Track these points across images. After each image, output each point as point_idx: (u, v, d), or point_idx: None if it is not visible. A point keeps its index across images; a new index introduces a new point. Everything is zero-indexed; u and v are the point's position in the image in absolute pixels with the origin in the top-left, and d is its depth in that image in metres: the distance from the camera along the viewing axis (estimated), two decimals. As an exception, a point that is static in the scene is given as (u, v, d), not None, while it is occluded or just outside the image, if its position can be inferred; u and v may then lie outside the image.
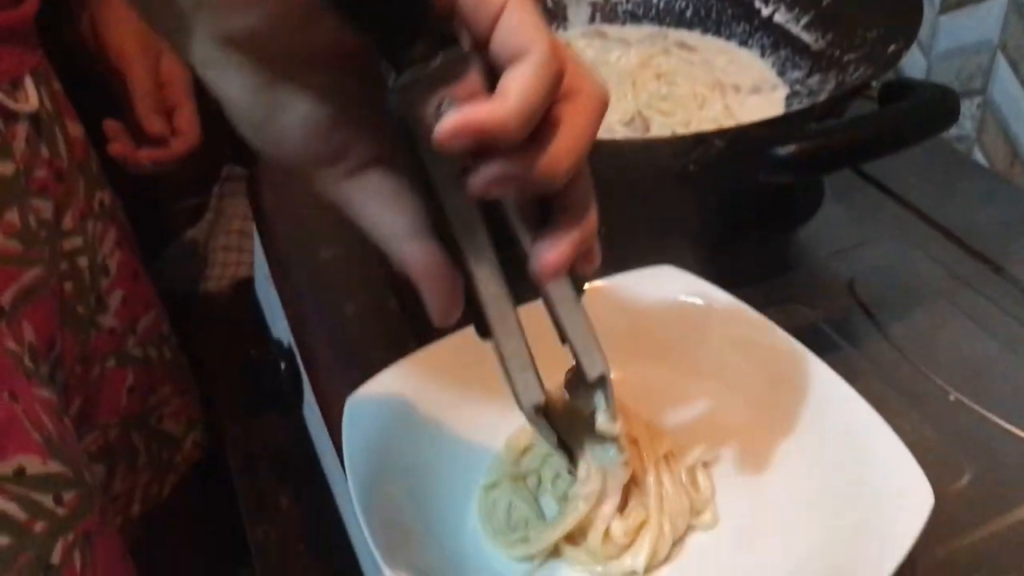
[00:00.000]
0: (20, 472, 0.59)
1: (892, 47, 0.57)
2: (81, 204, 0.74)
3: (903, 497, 0.42)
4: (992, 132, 0.87)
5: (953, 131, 0.91)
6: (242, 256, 0.96)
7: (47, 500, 0.61)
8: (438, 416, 0.50)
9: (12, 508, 0.59)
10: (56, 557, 0.61)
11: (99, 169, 0.80)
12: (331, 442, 0.55)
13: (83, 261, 0.74)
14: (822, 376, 0.48)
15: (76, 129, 0.76)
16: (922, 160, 0.71)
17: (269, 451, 0.75)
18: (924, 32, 0.90)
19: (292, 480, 0.72)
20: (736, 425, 0.50)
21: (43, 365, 0.68)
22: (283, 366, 0.68)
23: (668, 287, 0.53)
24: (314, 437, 0.67)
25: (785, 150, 0.44)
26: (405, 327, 0.60)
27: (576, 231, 0.36)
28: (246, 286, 0.89)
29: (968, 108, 0.88)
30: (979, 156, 0.89)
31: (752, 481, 0.48)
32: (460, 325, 0.42)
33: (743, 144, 0.47)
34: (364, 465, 0.46)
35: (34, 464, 0.60)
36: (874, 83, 0.53)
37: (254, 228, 0.77)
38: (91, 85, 0.80)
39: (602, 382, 0.41)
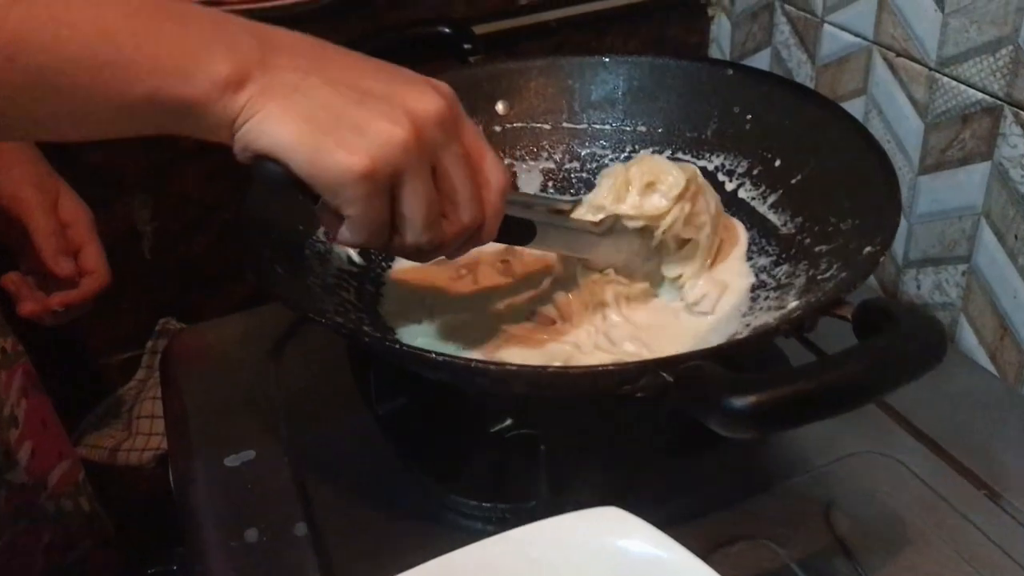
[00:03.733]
0: None
1: (868, 249, 0.50)
2: None
3: None
4: (979, 303, 0.80)
5: (937, 297, 0.85)
6: (168, 424, 0.87)
7: None
8: None
9: None
10: None
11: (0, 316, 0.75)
12: None
13: None
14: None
15: None
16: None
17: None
18: (904, 194, 0.85)
19: None
20: None
21: None
22: (184, 586, 0.59)
23: (609, 534, 0.45)
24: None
25: (742, 401, 0.37)
26: (311, 559, 0.51)
27: None
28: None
29: (952, 275, 0.83)
30: (966, 327, 0.82)
31: None
32: None
33: (694, 381, 0.40)
34: None
35: None
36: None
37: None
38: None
39: None
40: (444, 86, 0.47)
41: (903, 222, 0.86)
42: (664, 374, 0.42)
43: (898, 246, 0.87)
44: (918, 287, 0.87)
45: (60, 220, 0.72)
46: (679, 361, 0.42)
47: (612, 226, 0.60)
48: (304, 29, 0.94)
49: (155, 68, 0.40)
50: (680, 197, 0.59)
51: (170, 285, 0.99)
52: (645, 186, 0.60)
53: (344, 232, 0.45)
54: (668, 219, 0.59)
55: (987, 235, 0.78)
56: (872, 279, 0.92)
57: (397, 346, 0.48)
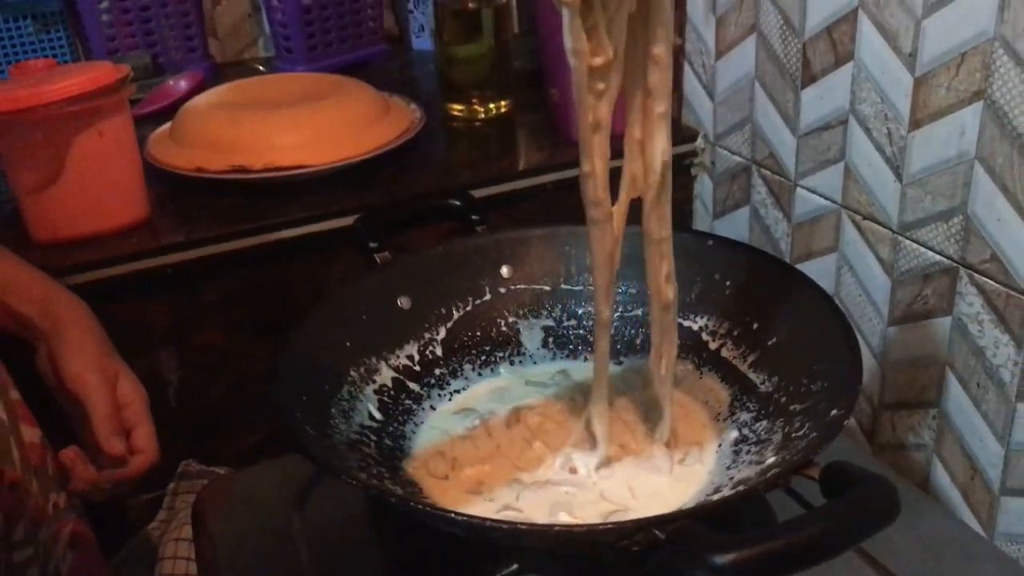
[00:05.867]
0: None
1: (833, 412, 0.57)
2: (33, 512, 0.73)
3: None
4: (950, 445, 0.87)
5: (911, 439, 0.92)
6: (190, 566, 0.92)
7: None
8: None
9: None
10: None
11: (55, 470, 0.79)
12: None
13: (33, 571, 0.72)
14: None
15: (32, 434, 0.76)
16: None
17: None
18: (876, 343, 0.92)
19: None
20: None
21: None
22: None
23: None
24: None
25: (723, 559, 0.43)
26: None
27: None
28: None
29: (924, 419, 0.89)
30: (939, 468, 0.88)
31: None
32: None
33: (682, 539, 0.46)
34: None
35: None
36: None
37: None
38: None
39: None
40: None
41: (877, 368, 0.93)
42: (656, 531, 0.48)
43: (874, 390, 0.94)
44: (893, 429, 0.93)
45: (118, 401, 0.78)
46: (670, 520, 0.48)
47: None
48: (319, 198, 1.03)
49: None
50: None
51: (191, 429, 1.04)
52: None
53: None
54: None
55: (952, 383, 0.85)
56: (852, 421, 0.98)
57: (420, 506, 0.54)
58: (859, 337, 0.93)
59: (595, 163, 0.58)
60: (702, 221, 1.18)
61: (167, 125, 1.14)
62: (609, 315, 0.65)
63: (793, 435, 0.61)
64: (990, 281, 0.79)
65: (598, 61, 0.54)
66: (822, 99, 0.93)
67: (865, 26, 0.85)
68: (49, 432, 0.80)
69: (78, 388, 0.76)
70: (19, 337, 0.79)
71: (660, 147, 0.59)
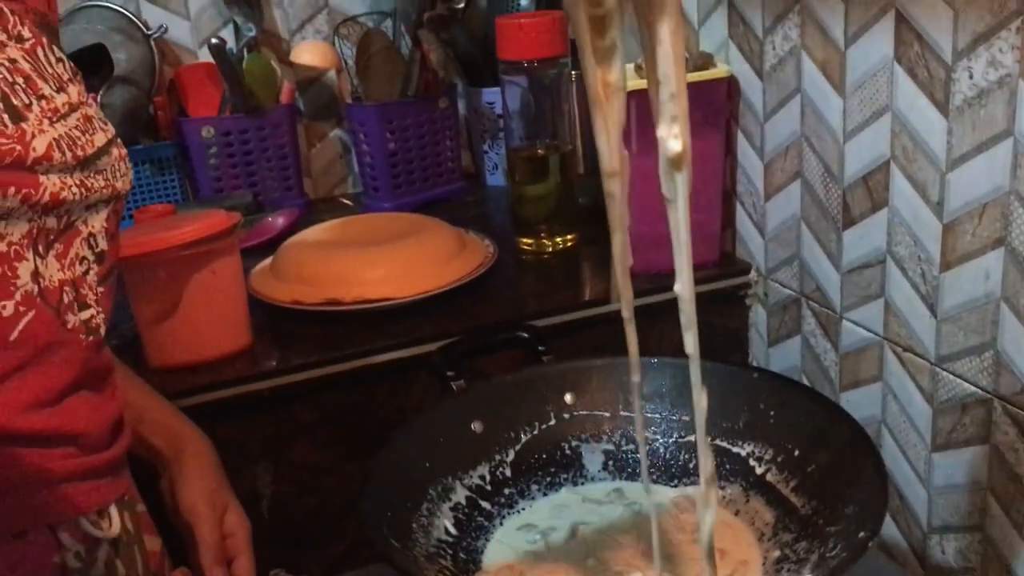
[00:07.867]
0: None
1: (862, 534, 0.63)
2: None
3: None
4: (997, 570, 0.91)
5: (960, 562, 0.95)
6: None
7: None
8: None
9: None
10: None
11: None
12: None
13: None
14: None
15: (154, 543, 0.85)
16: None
17: None
18: (921, 468, 0.98)
19: None
20: None
21: None
22: None
23: None
24: None
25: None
26: None
27: None
28: None
29: (970, 543, 0.93)
30: (986, 591, 0.92)
31: None
32: None
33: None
34: None
35: None
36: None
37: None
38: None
39: None
40: None
41: (924, 493, 0.98)
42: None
43: (922, 514, 0.99)
44: (942, 552, 0.97)
45: (224, 531, 0.87)
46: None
47: None
48: (402, 327, 1.12)
49: None
50: None
51: (281, 540, 1.13)
52: None
53: None
54: None
55: (994, 507, 0.89)
56: (904, 542, 1.02)
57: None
58: (905, 462, 0.99)
59: (609, 131, 0.53)
60: (758, 348, 1.25)
61: (267, 261, 1.26)
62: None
63: (827, 555, 0.67)
64: (1023, 412, 0.84)
65: (598, 11, 0.49)
66: (862, 240, 1.00)
67: (897, 177, 0.93)
68: (167, 542, 0.89)
69: (190, 516, 0.86)
70: (147, 461, 0.90)
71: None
